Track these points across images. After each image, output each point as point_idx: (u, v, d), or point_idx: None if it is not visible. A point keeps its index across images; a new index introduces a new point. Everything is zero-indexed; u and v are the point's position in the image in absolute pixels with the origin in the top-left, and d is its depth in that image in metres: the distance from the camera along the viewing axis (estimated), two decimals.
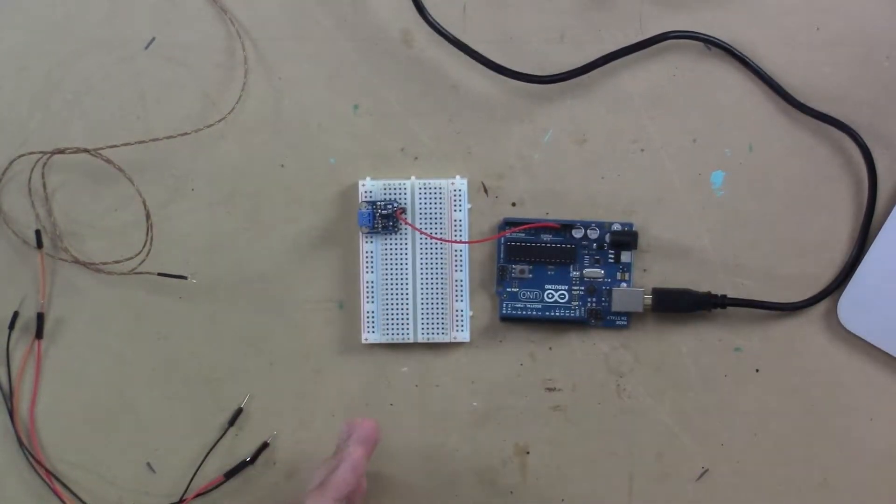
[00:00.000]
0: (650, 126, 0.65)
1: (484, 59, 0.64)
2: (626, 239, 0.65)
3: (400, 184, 0.65)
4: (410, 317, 0.65)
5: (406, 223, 0.65)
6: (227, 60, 0.66)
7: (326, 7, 0.66)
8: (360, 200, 0.65)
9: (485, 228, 0.66)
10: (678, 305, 0.64)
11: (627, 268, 0.65)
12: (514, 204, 0.66)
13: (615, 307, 0.64)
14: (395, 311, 0.65)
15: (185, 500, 0.67)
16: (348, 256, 0.66)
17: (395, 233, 0.65)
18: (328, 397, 0.66)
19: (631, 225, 0.65)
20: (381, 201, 0.65)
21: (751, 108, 0.65)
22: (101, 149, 0.65)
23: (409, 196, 0.65)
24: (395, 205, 0.65)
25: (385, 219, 0.65)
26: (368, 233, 0.65)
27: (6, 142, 0.66)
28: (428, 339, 0.65)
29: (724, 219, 0.65)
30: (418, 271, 0.65)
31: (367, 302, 0.65)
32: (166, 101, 0.66)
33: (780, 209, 0.65)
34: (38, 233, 0.66)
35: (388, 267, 0.65)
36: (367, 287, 0.65)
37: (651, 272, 0.65)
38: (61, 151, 0.65)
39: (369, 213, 0.65)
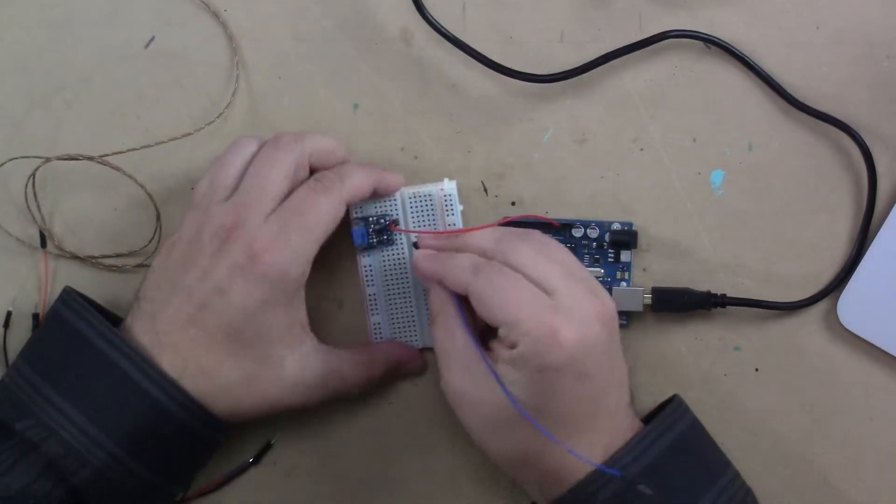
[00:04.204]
0: (650, 125, 0.65)
1: (484, 59, 0.64)
2: (625, 238, 0.65)
3: (389, 197, 0.64)
4: (416, 323, 0.65)
5: (401, 231, 0.64)
6: (227, 59, 0.66)
7: (326, 6, 0.66)
8: (351, 217, 0.64)
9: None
10: (678, 305, 0.64)
11: (627, 267, 0.65)
12: (513, 203, 0.66)
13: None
14: (400, 321, 0.65)
15: (185, 500, 0.67)
16: (347, 255, 0.66)
17: (392, 245, 0.64)
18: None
19: (630, 224, 0.65)
20: (372, 216, 0.64)
21: (750, 108, 0.65)
22: (107, 155, 0.65)
23: (399, 207, 0.64)
24: (387, 218, 0.64)
25: (379, 233, 0.64)
26: (365, 248, 0.65)
27: (6, 141, 0.66)
28: None
29: (723, 218, 0.65)
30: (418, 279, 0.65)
31: (372, 314, 0.65)
32: (166, 101, 0.66)
33: (780, 208, 0.65)
34: (41, 233, 0.66)
35: (388, 279, 0.64)
36: (371, 300, 0.65)
37: (651, 271, 0.65)
38: (63, 158, 0.65)
39: (363, 232, 0.64)
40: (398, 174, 0.63)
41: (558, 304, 0.55)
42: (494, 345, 0.57)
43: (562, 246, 0.59)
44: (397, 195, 0.64)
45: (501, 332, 0.56)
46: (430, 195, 0.64)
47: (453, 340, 0.58)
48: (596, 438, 0.57)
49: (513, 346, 0.55)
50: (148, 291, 0.60)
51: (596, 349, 0.55)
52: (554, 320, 0.54)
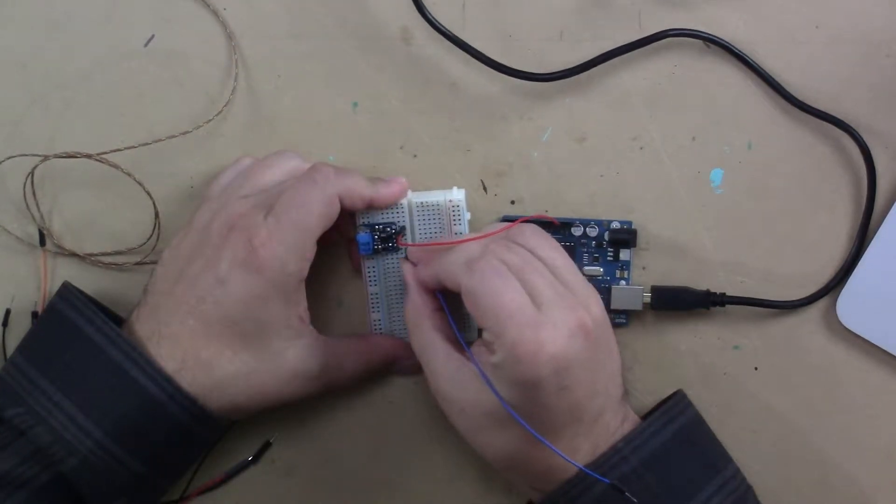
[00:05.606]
0: (649, 124, 0.65)
1: (483, 57, 0.64)
2: (625, 237, 0.65)
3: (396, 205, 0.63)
4: None
5: (407, 245, 0.63)
6: (227, 58, 0.66)
7: (326, 5, 0.66)
8: (357, 223, 0.64)
9: (483, 226, 0.66)
10: (677, 303, 0.64)
11: (626, 266, 0.65)
12: (513, 202, 0.66)
13: (614, 305, 0.64)
14: (400, 318, 0.65)
15: (184, 499, 0.66)
16: (347, 255, 0.66)
17: (397, 251, 0.64)
18: (328, 394, 0.66)
19: (630, 223, 0.65)
20: (378, 224, 0.63)
21: (750, 106, 0.65)
22: (106, 153, 0.65)
23: (406, 215, 0.63)
24: (394, 226, 0.63)
25: (385, 241, 0.63)
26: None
27: (4, 139, 0.66)
28: None
29: (723, 217, 0.65)
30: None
31: (373, 311, 0.65)
32: (165, 99, 0.66)
33: (779, 207, 0.65)
34: (40, 231, 0.66)
35: (390, 279, 0.64)
36: (373, 298, 0.65)
37: (650, 270, 0.65)
38: (61, 156, 0.65)
39: (368, 240, 0.63)
40: (401, 185, 0.62)
41: (543, 317, 0.55)
42: (479, 346, 0.57)
43: (553, 243, 0.59)
44: (404, 202, 0.63)
45: (486, 335, 0.56)
46: (437, 204, 0.63)
47: (434, 350, 0.59)
48: (578, 442, 0.57)
49: (494, 353, 0.55)
50: (156, 284, 0.61)
51: (576, 363, 0.55)
52: (537, 335, 0.54)
